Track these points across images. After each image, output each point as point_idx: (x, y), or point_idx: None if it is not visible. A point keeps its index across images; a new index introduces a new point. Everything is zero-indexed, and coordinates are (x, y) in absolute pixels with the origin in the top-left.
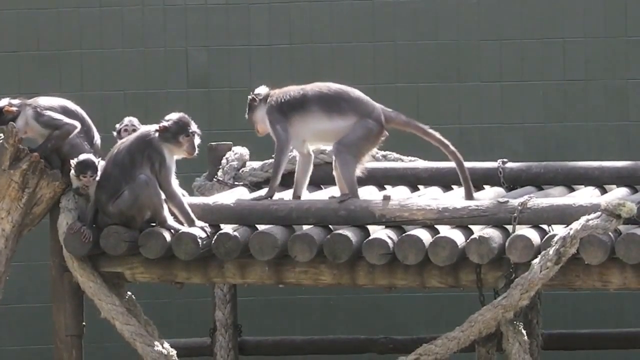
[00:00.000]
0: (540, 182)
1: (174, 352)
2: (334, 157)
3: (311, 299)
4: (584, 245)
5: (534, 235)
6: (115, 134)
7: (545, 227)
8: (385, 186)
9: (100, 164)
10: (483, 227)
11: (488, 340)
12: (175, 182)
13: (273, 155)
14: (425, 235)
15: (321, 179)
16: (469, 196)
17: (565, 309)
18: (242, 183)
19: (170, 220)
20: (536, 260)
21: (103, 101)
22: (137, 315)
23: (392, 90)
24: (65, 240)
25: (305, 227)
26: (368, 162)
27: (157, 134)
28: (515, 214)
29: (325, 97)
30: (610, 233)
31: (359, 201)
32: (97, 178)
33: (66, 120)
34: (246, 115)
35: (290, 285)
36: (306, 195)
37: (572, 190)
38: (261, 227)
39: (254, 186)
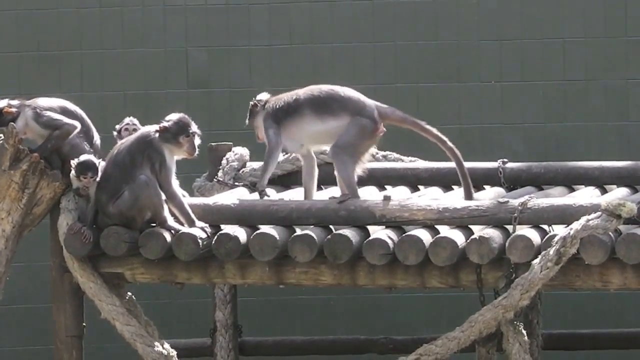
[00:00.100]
0: (540, 182)
1: (174, 353)
2: (332, 160)
3: (311, 299)
4: (584, 245)
5: (534, 236)
6: (115, 134)
7: (545, 227)
8: (386, 186)
9: (101, 164)
10: (483, 227)
11: (488, 341)
12: (175, 183)
13: None
14: (425, 236)
15: (322, 179)
16: (467, 191)
17: (565, 309)
18: (242, 183)
19: (171, 221)
20: (536, 261)
21: (103, 101)
22: (138, 315)
23: (392, 91)
24: (65, 241)
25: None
26: (368, 162)
27: (157, 135)
28: (515, 214)
29: (316, 100)
30: (610, 233)
31: (359, 201)
32: (98, 179)
33: (66, 120)
34: (247, 121)
35: (291, 285)
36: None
37: (572, 190)
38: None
39: (254, 187)
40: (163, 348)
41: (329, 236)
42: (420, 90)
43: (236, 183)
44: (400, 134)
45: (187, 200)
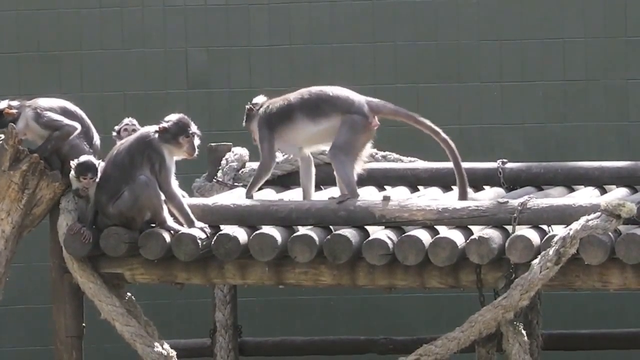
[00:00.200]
0: (540, 182)
1: (174, 353)
2: (330, 161)
3: (311, 299)
4: (584, 245)
5: (533, 236)
6: (114, 134)
7: (545, 227)
8: (385, 187)
9: (101, 165)
10: (483, 228)
11: (488, 341)
12: (175, 183)
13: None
14: (425, 236)
15: (321, 179)
16: (461, 183)
17: (565, 309)
18: (241, 184)
19: (170, 221)
20: (536, 261)
21: (103, 102)
22: (137, 316)
23: (392, 91)
24: (65, 242)
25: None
26: (368, 163)
27: (156, 135)
28: (515, 215)
29: (307, 103)
30: (610, 233)
31: (359, 202)
32: (97, 179)
33: (66, 121)
34: (244, 124)
35: (290, 286)
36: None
37: (572, 190)
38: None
39: None
40: (163, 348)
41: (329, 236)
42: (420, 91)
43: (235, 183)
44: (400, 134)
45: (186, 200)
